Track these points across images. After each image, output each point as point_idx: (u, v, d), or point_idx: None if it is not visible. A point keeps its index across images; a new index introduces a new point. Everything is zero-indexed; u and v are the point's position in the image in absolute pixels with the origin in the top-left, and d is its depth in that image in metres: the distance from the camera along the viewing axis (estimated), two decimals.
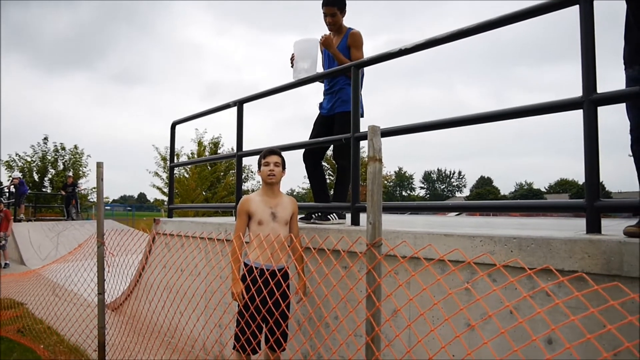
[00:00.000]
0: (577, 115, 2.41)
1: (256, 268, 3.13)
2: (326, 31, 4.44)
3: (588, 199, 2.35)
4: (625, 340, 1.39)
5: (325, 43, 4.22)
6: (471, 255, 2.44)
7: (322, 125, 4.43)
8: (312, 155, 4.45)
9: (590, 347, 1.98)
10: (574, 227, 3.63)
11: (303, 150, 4.43)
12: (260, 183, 3.52)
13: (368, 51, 4.33)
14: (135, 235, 4.74)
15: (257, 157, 3.49)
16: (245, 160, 5.03)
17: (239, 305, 3.15)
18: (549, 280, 2.17)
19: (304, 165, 4.49)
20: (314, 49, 4.24)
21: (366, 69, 4.09)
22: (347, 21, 4.39)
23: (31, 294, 6.58)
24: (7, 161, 23.86)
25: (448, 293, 2.20)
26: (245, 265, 3.23)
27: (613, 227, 2.93)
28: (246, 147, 4.84)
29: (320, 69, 4.37)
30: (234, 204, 4.67)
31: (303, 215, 4.21)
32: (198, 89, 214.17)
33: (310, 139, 4.42)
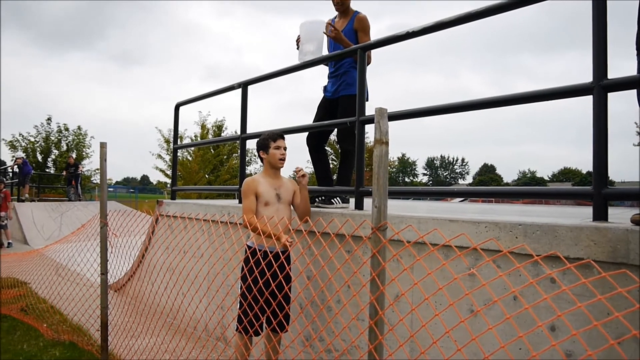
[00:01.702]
0: (583, 103, 2.38)
1: (259, 250, 3.12)
2: (332, 11, 4.38)
3: (595, 186, 2.32)
4: (632, 328, 1.37)
5: (335, 36, 4.14)
6: (476, 240, 2.43)
7: (326, 108, 4.39)
8: (316, 138, 4.42)
9: (594, 334, 1.97)
10: (578, 214, 3.61)
11: (306, 133, 4.40)
12: (262, 166, 3.51)
13: (371, 35, 4.28)
14: (138, 216, 4.73)
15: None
16: (249, 143, 5.01)
17: (241, 287, 3.15)
18: (554, 267, 2.16)
19: (307, 149, 4.46)
20: (319, 31, 4.17)
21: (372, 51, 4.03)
22: (352, 3, 4.33)
23: (34, 274, 6.61)
24: (10, 141, 23.90)
25: (453, 278, 2.19)
26: (249, 247, 3.23)
27: (618, 215, 2.91)
28: (250, 130, 4.81)
29: (325, 51, 4.32)
30: (237, 186, 4.65)
31: None
32: (199, 71, 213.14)
33: (314, 122, 4.38)
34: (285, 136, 3.46)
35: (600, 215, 2.31)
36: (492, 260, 2.36)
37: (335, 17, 4.42)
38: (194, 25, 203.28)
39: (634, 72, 2.38)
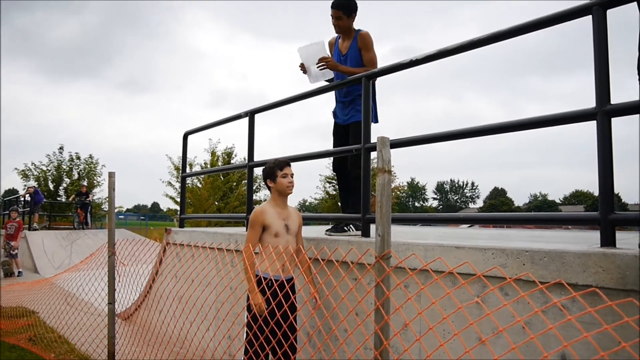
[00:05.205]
0: (592, 125, 2.37)
1: (265, 279, 3.11)
2: (333, 31, 4.40)
3: (602, 211, 2.30)
4: None
5: (331, 66, 4.17)
6: (483, 268, 2.40)
7: (339, 134, 4.39)
8: (337, 165, 4.42)
9: None
10: (590, 239, 3.56)
11: (316, 161, 4.41)
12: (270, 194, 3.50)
13: (376, 57, 4.27)
14: (147, 244, 4.75)
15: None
16: (257, 171, 5.02)
17: (247, 316, 3.13)
18: (563, 294, 2.13)
19: (317, 175, 4.48)
20: (322, 51, 4.17)
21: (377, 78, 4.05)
22: (355, 24, 4.30)
23: (43, 303, 6.61)
24: (23, 170, 24.15)
25: (458, 307, 2.17)
26: (255, 276, 3.22)
27: (629, 241, 2.87)
28: (257, 158, 4.84)
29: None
30: (245, 214, 4.66)
31: (330, 227, 4.15)
32: (206, 97, 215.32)
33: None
34: (294, 163, 3.47)
35: (608, 241, 2.29)
36: (500, 287, 2.33)
37: (338, 38, 4.42)
38: (200, 51, 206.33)
39: (637, 93, 2.37)
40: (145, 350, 4.33)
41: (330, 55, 4.27)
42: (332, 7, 4.20)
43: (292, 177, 3.35)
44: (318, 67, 4.16)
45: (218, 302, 3.85)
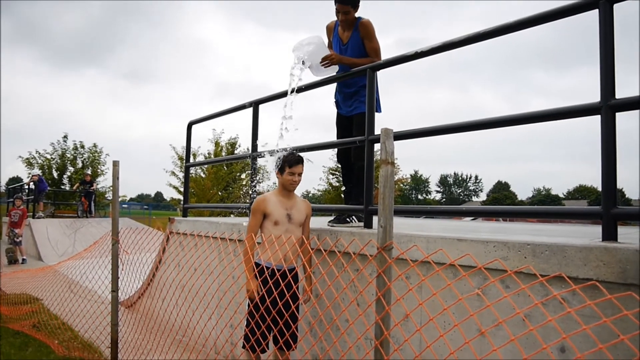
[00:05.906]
0: (597, 120, 2.37)
1: (267, 268, 3.13)
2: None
3: (604, 206, 2.30)
4: (639, 351, 1.36)
5: (335, 62, 4.10)
6: (484, 260, 2.41)
7: (343, 124, 4.35)
8: (343, 156, 4.40)
9: (604, 356, 1.94)
10: (592, 234, 3.57)
11: (320, 152, 4.40)
12: (276, 184, 3.51)
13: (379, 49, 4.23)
14: (150, 233, 4.78)
15: (274, 157, 3.46)
16: (261, 160, 5.03)
17: (249, 305, 3.16)
18: (563, 287, 2.14)
19: (320, 166, 4.48)
20: (323, 48, 4.11)
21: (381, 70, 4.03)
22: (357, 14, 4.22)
23: (47, 290, 6.66)
24: (27, 158, 24.21)
25: (459, 298, 2.18)
26: (257, 265, 3.24)
27: (630, 235, 2.88)
28: (261, 148, 4.84)
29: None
30: (248, 204, 4.67)
31: (332, 218, 4.16)
32: (209, 87, 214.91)
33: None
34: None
35: (610, 235, 2.29)
36: (501, 280, 2.34)
37: (337, 23, 4.32)
38: (203, 42, 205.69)
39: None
40: (147, 338, 4.37)
41: (330, 50, 4.22)
42: (340, 2, 4.08)
43: (299, 176, 3.34)
44: (322, 65, 4.10)
45: (220, 290, 3.87)
